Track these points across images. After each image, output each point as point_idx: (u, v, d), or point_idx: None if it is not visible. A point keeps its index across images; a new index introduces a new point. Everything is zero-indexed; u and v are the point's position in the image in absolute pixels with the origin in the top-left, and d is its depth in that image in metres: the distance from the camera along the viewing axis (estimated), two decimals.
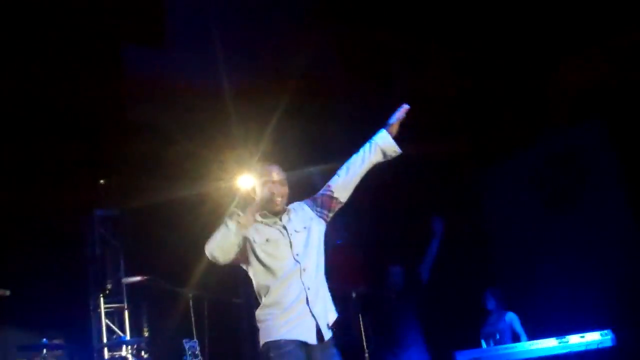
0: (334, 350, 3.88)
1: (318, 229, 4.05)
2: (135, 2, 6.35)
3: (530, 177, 8.47)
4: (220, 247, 3.71)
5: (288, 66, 7.09)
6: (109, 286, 8.11)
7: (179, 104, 7.37)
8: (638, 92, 6.78)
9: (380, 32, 7.14)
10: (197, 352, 5.50)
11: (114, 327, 8.08)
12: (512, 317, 7.24)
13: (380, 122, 4.16)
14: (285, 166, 4.06)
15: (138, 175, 7.71)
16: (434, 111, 7.27)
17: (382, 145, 4.11)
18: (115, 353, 7.64)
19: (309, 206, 4.10)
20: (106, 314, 8.06)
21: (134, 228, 8.05)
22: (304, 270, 3.85)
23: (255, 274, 3.89)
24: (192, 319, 5.89)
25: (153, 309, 8.04)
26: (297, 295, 3.80)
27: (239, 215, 3.70)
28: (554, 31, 6.87)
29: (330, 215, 4.11)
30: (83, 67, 6.64)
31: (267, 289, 3.83)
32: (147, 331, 8.16)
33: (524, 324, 7.24)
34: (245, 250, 3.86)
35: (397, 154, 4.15)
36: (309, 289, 3.82)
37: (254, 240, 3.86)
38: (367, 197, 4.64)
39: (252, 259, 3.87)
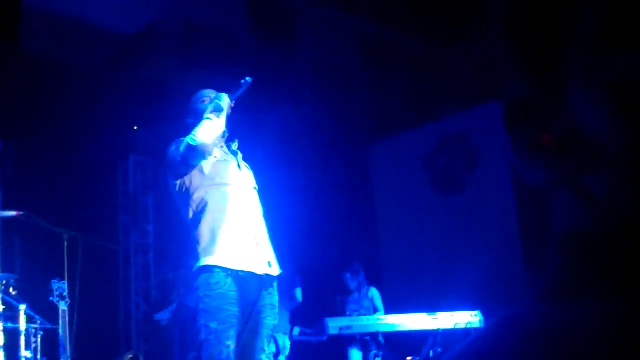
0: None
1: None
2: None
3: (420, 157, 8.61)
4: (212, 135, 3.65)
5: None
6: None
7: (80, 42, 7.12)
8: None
9: None
10: (65, 293, 5.32)
11: None
12: (374, 293, 7.24)
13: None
14: None
15: (27, 105, 7.38)
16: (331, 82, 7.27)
17: None
18: None
19: None
20: None
21: (15, 159, 7.72)
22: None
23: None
24: (66, 260, 5.73)
25: (26, 246, 7.76)
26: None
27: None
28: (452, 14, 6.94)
29: None
30: None
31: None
32: (19, 268, 7.89)
33: (397, 299, 7.37)
34: None
35: None
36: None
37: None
38: None
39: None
